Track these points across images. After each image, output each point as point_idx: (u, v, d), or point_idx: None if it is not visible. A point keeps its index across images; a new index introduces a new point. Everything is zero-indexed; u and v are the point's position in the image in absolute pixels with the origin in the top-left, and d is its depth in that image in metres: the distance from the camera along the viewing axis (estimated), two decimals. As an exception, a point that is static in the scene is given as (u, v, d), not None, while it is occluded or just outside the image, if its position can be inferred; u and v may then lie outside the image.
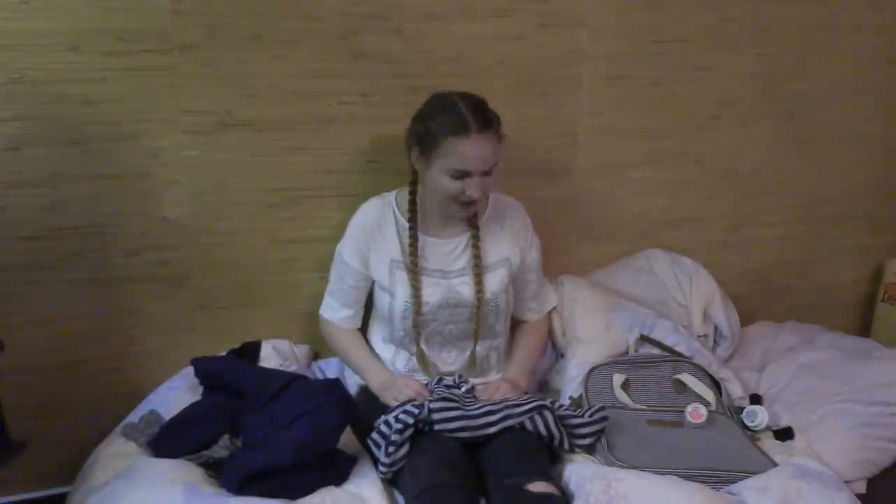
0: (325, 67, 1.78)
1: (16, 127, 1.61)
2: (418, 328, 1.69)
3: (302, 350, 1.92)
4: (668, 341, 1.88)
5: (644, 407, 1.72)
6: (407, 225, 1.70)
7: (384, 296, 1.72)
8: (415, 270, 1.68)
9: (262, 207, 1.83)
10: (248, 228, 1.82)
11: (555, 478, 1.46)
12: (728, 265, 2.28)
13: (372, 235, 1.72)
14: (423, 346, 1.71)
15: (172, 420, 1.55)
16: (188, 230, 1.78)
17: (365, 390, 1.74)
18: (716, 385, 1.79)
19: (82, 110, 1.64)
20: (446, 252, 1.72)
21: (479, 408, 1.52)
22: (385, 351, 1.79)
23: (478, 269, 1.70)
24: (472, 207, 1.65)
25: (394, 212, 1.73)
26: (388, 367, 1.77)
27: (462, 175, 1.58)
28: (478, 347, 1.74)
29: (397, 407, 1.52)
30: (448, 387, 1.66)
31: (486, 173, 1.60)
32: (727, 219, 2.28)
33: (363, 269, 1.74)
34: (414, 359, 1.73)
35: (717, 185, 2.23)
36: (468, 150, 1.55)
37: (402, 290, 1.68)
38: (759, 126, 2.21)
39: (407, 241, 1.69)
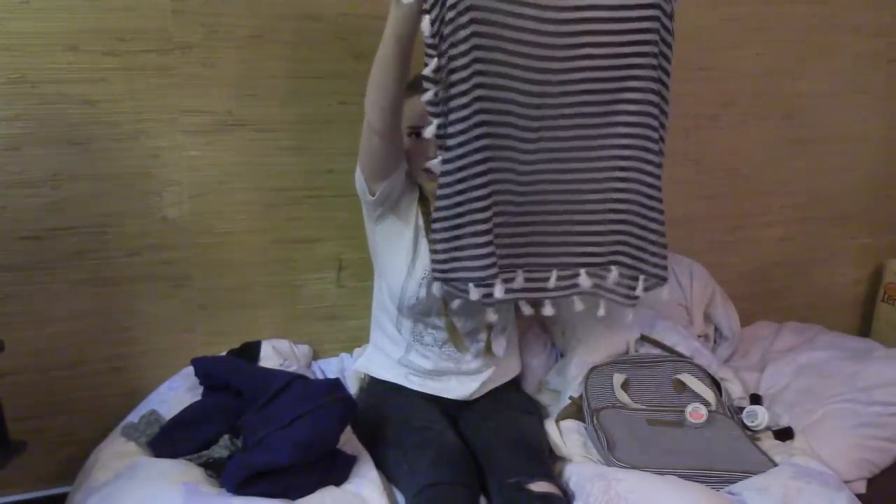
0: (325, 67, 1.78)
1: (16, 127, 1.61)
2: (445, 300, 1.57)
3: (302, 350, 1.92)
4: (668, 341, 1.88)
5: (644, 407, 1.72)
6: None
7: (405, 259, 1.63)
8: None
9: (262, 207, 1.82)
10: (248, 228, 1.82)
11: (555, 477, 1.46)
12: (728, 265, 2.28)
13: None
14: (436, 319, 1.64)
15: (172, 420, 1.54)
16: (188, 230, 1.78)
17: (365, 390, 1.73)
18: (716, 385, 1.78)
19: (82, 110, 1.64)
20: None
21: None
22: (402, 335, 1.67)
23: None
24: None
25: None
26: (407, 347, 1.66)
27: (415, 131, 1.55)
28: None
29: None
30: None
31: None
32: (726, 219, 2.27)
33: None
34: (439, 332, 1.64)
35: (716, 185, 2.23)
36: (415, 103, 1.50)
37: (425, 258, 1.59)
38: (759, 126, 2.21)
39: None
